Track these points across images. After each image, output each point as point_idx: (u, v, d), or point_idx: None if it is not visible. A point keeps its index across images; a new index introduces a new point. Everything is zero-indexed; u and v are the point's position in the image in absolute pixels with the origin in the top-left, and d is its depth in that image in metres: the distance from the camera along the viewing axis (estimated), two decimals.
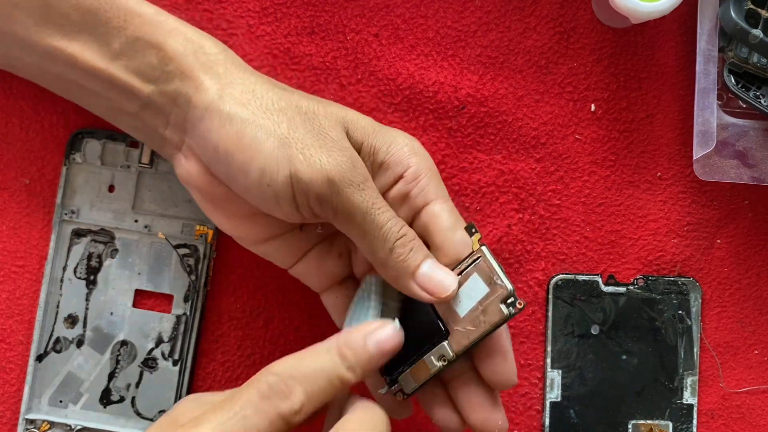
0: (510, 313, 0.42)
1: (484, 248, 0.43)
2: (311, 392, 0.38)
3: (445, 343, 0.43)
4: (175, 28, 0.44)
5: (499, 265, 0.43)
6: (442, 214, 0.43)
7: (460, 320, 0.43)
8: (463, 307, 0.43)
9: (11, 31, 0.44)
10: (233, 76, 0.43)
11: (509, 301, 0.42)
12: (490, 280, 0.42)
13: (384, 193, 0.44)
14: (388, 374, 0.45)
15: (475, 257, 0.43)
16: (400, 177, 0.44)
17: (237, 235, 0.46)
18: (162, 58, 0.43)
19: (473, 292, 0.43)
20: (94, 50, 0.43)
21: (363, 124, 0.44)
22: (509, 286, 0.42)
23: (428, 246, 0.44)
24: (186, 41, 0.44)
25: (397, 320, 0.42)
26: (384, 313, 0.44)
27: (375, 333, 0.40)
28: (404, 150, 0.43)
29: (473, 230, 0.44)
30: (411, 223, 0.44)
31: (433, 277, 0.42)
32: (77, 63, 0.44)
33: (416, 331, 0.43)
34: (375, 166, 0.44)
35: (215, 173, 0.43)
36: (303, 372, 0.38)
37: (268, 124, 0.41)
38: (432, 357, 0.44)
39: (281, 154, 0.40)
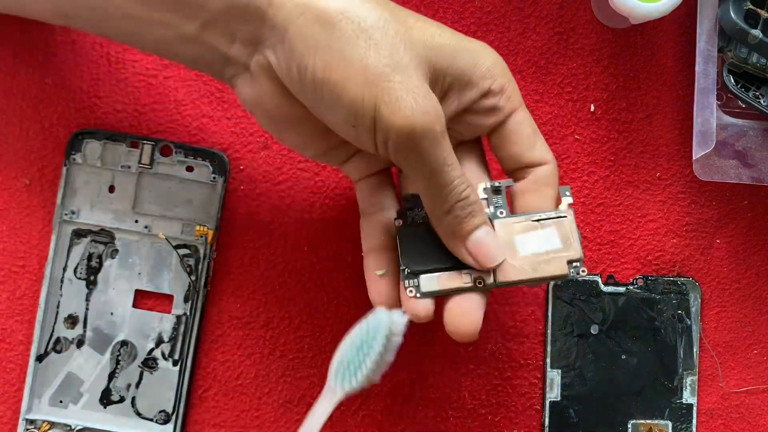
0: (571, 274, 0.44)
1: (571, 212, 0.45)
2: None
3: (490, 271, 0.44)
4: None
5: (579, 234, 0.45)
6: (524, 122, 0.45)
7: (518, 257, 0.44)
8: (527, 249, 0.44)
9: None
10: None
11: (575, 264, 0.44)
12: (567, 240, 0.44)
13: (472, 106, 0.44)
14: (408, 264, 0.44)
15: (561, 214, 0.44)
16: (488, 91, 0.44)
17: (303, 149, 0.46)
18: None
19: (545, 241, 0.44)
20: None
21: (448, 50, 0.43)
22: (582, 253, 0.44)
23: (509, 149, 0.45)
24: None
25: None
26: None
27: None
28: (488, 65, 0.44)
29: (567, 193, 0.45)
30: (495, 128, 0.45)
31: (482, 245, 0.43)
32: None
33: None
34: (462, 84, 0.43)
35: (298, 98, 0.42)
36: None
37: (355, 53, 0.40)
38: (469, 275, 0.43)
39: (367, 92, 0.39)
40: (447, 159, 0.41)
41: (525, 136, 0.45)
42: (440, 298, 0.44)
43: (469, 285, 0.43)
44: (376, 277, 0.45)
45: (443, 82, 0.43)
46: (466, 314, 0.43)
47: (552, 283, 0.43)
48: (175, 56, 0.44)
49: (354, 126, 0.40)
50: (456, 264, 0.44)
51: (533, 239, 0.44)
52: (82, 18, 0.44)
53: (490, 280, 0.43)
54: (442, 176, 0.41)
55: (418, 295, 0.43)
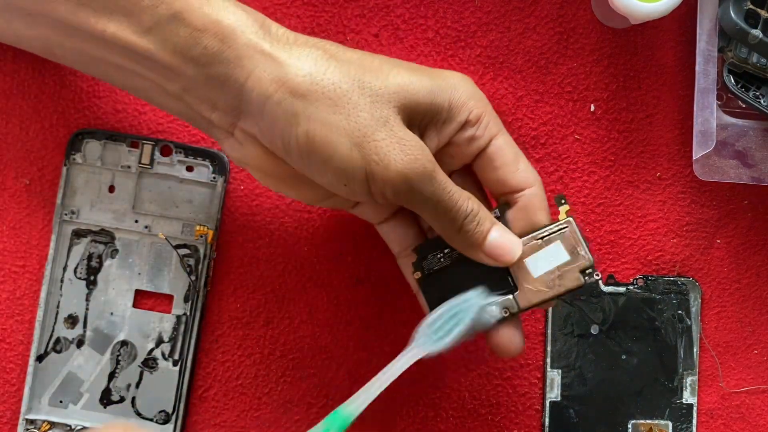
0: (586, 281, 0.45)
1: (571, 219, 0.45)
2: None
3: (512, 296, 0.45)
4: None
5: (584, 238, 0.45)
6: (504, 147, 0.45)
7: (533, 280, 0.45)
8: (539, 269, 0.45)
9: (54, 14, 0.42)
10: (282, 50, 0.41)
11: (588, 271, 0.45)
12: (573, 250, 0.45)
13: (452, 139, 0.45)
14: (433, 303, 0.46)
15: (561, 226, 0.45)
16: (465, 122, 0.44)
17: (305, 201, 0.47)
18: (191, 34, 0.41)
19: (553, 257, 0.45)
20: (131, 29, 0.41)
21: (424, 92, 0.43)
22: (591, 258, 0.45)
23: (493, 175, 0.46)
24: (212, 10, 0.41)
25: None
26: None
27: None
28: (463, 99, 0.44)
29: (563, 201, 0.46)
30: (477, 156, 0.46)
31: (499, 244, 0.44)
32: (118, 43, 0.42)
33: (483, 279, 0.45)
34: (440, 121, 0.44)
35: (287, 161, 0.42)
36: None
37: (336, 119, 0.41)
38: (495, 307, 0.45)
39: (355, 154, 0.41)
40: (446, 188, 0.43)
41: (506, 160, 0.45)
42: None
43: (501, 316, 0.45)
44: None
45: (421, 122, 0.44)
46: (512, 341, 0.46)
47: (596, 279, 0.45)
48: (162, 107, 0.45)
49: (346, 185, 0.42)
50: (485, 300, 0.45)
51: (542, 257, 0.45)
52: (68, 59, 0.45)
53: (515, 308, 0.45)
54: (446, 204, 0.43)
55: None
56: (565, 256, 0.45)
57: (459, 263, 0.46)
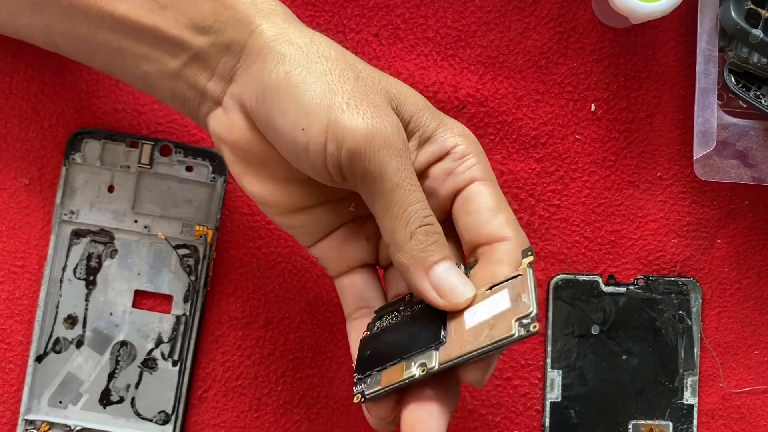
0: (519, 334, 0.35)
1: (529, 270, 0.38)
2: None
3: (434, 350, 0.37)
4: None
5: (535, 288, 0.37)
6: (486, 194, 0.41)
7: (463, 331, 0.37)
8: (474, 320, 0.37)
9: None
10: (291, 23, 0.41)
11: (525, 321, 0.36)
12: (517, 297, 0.37)
13: (428, 167, 0.42)
14: (360, 372, 0.40)
15: (516, 275, 0.38)
16: (447, 153, 0.41)
17: (265, 201, 0.43)
18: (216, 8, 0.41)
19: (494, 306, 0.37)
20: (145, 6, 0.42)
21: (415, 99, 0.42)
22: (533, 308, 0.36)
23: (467, 220, 0.41)
24: None
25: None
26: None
27: None
28: (454, 129, 0.41)
29: (528, 253, 0.39)
30: (451, 201, 0.41)
31: (448, 278, 0.39)
32: (126, 23, 0.42)
33: (413, 334, 0.39)
34: (422, 139, 0.42)
35: (255, 119, 0.41)
36: None
37: (319, 68, 0.39)
38: (413, 362, 0.38)
39: (325, 101, 0.38)
40: (410, 178, 0.38)
41: (483, 206, 0.40)
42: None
43: (413, 375, 0.37)
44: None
45: (404, 129, 0.40)
46: (423, 427, 0.38)
47: (532, 332, 0.35)
48: (155, 92, 0.44)
49: (304, 129, 0.38)
50: (411, 351, 0.38)
51: (483, 307, 0.37)
52: (70, 48, 0.45)
53: (433, 363, 0.37)
54: (404, 193, 0.38)
55: (363, 400, 0.39)
56: (506, 304, 0.37)
57: (404, 324, 0.40)
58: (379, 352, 0.40)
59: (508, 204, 0.41)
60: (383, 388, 0.38)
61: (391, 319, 0.41)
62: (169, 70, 0.43)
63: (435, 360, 0.37)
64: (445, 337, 0.38)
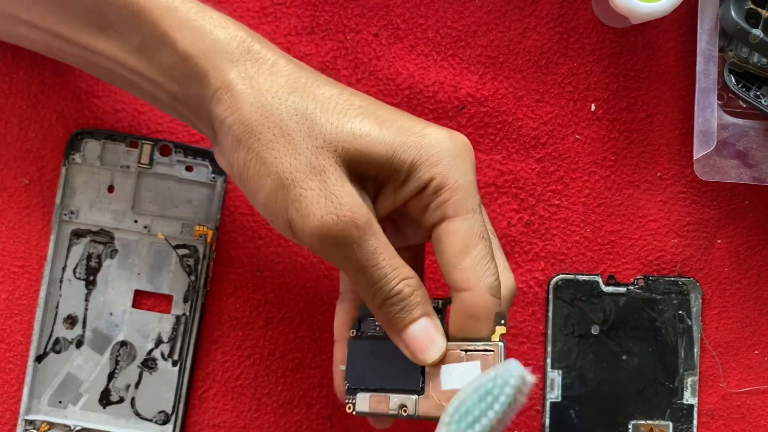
0: None
1: (501, 345, 0.39)
2: None
3: (415, 398, 0.41)
4: (186, 21, 0.41)
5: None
6: (454, 234, 0.40)
7: (440, 390, 0.40)
8: (450, 382, 0.40)
9: (45, 25, 0.43)
10: (246, 78, 0.40)
11: None
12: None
13: (407, 201, 0.41)
14: (350, 380, 0.44)
15: (489, 347, 0.40)
16: (423, 187, 0.40)
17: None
18: (176, 61, 0.41)
19: (467, 375, 0.40)
20: (118, 47, 0.42)
21: (378, 145, 0.40)
22: None
23: (439, 260, 0.41)
24: (195, 36, 0.41)
25: None
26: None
27: None
28: (432, 159, 0.40)
29: (502, 321, 0.40)
30: (431, 232, 0.41)
31: (418, 340, 0.40)
32: (109, 57, 0.43)
33: (398, 366, 0.42)
34: (399, 181, 0.41)
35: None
36: None
37: (270, 157, 0.39)
38: (396, 400, 0.41)
39: (280, 196, 0.39)
40: (374, 258, 0.39)
41: (450, 249, 0.40)
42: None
43: (394, 412, 0.41)
44: (341, 371, 0.45)
45: (377, 177, 0.41)
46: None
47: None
48: (167, 112, 0.45)
49: (272, 222, 0.41)
50: (395, 386, 0.42)
51: (458, 372, 0.40)
52: (71, 61, 0.46)
53: (412, 410, 0.41)
54: (370, 275, 0.39)
55: (354, 412, 0.43)
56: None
57: (387, 342, 0.42)
58: (372, 368, 0.43)
59: (482, 236, 0.40)
60: (371, 412, 0.43)
61: (376, 327, 0.44)
62: (162, 100, 0.43)
63: (415, 408, 0.41)
64: (423, 388, 0.41)
